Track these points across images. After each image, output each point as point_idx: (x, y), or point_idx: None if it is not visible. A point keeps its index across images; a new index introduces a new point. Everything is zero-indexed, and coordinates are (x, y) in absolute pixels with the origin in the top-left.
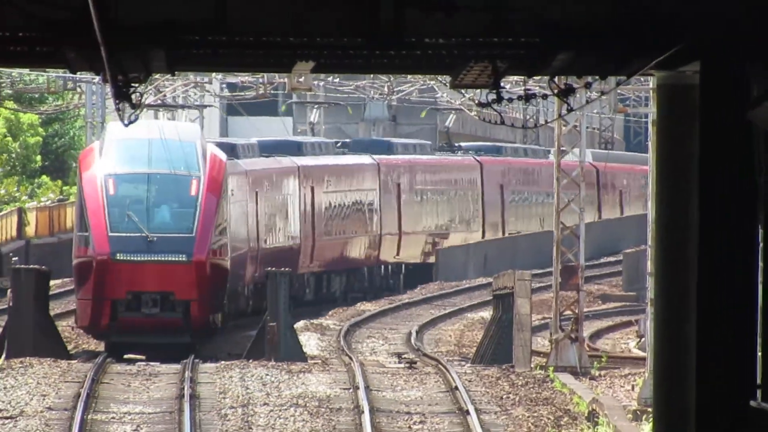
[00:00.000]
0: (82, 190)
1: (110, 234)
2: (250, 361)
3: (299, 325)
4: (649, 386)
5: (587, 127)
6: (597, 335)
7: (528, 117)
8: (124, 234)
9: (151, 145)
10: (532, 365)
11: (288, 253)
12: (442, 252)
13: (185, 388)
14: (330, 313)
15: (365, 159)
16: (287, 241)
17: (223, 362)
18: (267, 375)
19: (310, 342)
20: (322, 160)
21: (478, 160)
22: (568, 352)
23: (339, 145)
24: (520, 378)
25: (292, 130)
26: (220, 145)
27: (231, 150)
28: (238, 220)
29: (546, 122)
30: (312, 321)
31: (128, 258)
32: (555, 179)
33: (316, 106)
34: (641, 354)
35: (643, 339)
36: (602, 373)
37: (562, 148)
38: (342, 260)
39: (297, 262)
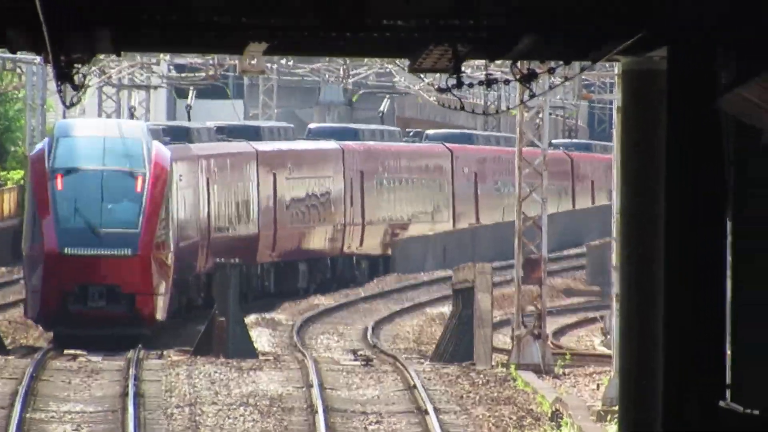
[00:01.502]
0: (32, 186)
1: (58, 228)
2: (198, 357)
3: (250, 319)
4: (615, 385)
5: (550, 114)
6: (561, 332)
7: (489, 103)
8: (72, 228)
9: (98, 143)
10: (494, 363)
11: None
12: (398, 243)
13: (129, 386)
14: (282, 307)
15: (438, 148)
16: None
17: (169, 358)
18: (215, 372)
19: (261, 338)
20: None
21: (568, 155)
22: (531, 349)
23: (412, 134)
24: (481, 376)
25: (244, 114)
26: (245, 128)
27: (255, 133)
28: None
29: (508, 108)
30: (263, 315)
31: (76, 252)
32: (517, 168)
33: (387, 97)
34: (606, 351)
35: (608, 336)
36: (566, 371)
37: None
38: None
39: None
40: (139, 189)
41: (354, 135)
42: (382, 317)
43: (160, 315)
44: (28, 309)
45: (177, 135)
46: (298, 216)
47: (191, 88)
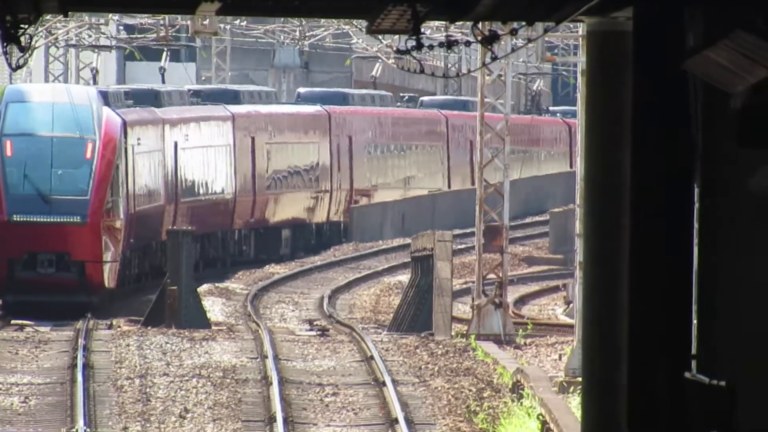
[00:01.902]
0: None
1: (7, 195)
2: (149, 327)
3: (203, 288)
4: (578, 356)
5: (513, 77)
6: (522, 301)
7: (450, 65)
8: (20, 195)
9: (48, 109)
10: (453, 333)
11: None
12: (356, 210)
13: (78, 357)
14: (236, 275)
15: (434, 114)
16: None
17: (119, 329)
18: (167, 343)
19: (214, 307)
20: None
21: (566, 122)
22: (492, 318)
23: (405, 99)
24: (440, 347)
25: (195, 77)
26: (223, 92)
27: (234, 97)
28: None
29: (469, 71)
30: (217, 284)
31: (24, 219)
32: (479, 133)
33: (379, 61)
34: (569, 321)
35: (571, 305)
36: (527, 341)
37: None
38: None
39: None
40: (88, 155)
41: (343, 99)
42: (338, 286)
43: (109, 282)
44: None
45: (145, 98)
46: (281, 182)
47: (165, 50)
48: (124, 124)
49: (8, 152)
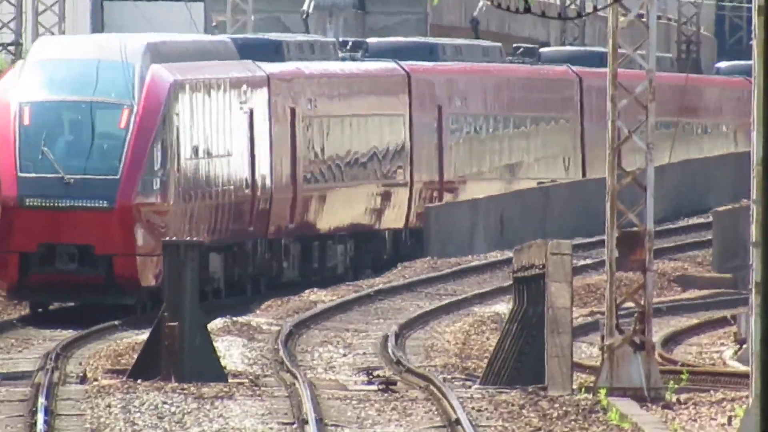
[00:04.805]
0: None
1: (19, 175)
2: (139, 381)
3: (215, 324)
4: (755, 418)
5: (659, 18)
6: (674, 339)
7: (567, 4)
8: (35, 175)
9: (79, 67)
10: (575, 386)
11: None
12: (433, 211)
13: (38, 423)
14: (263, 306)
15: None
16: None
17: (95, 383)
18: (164, 403)
19: (231, 351)
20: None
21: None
22: (630, 365)
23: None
24: (557, 406)
25: (205, 22)
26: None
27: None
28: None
29: (595, 10)
30: (235, 318)
31: (39, 204)
32: (610, 98)
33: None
34: (742, 369)
35: (744, 346)
36: (682, 398)
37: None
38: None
39: None
40: (123, 125)
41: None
42: (409, 320)
43: (145, 280)
44: None
45: (262, 50)
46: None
47: None
48: (175, 84)
49: (26, 122)
